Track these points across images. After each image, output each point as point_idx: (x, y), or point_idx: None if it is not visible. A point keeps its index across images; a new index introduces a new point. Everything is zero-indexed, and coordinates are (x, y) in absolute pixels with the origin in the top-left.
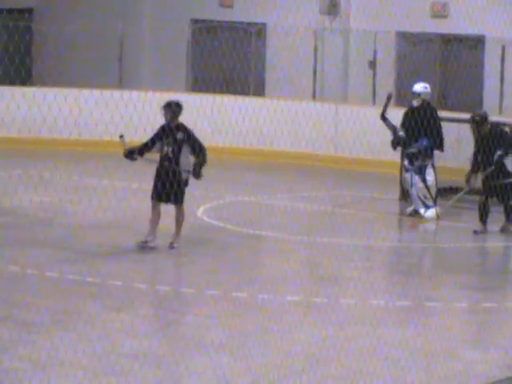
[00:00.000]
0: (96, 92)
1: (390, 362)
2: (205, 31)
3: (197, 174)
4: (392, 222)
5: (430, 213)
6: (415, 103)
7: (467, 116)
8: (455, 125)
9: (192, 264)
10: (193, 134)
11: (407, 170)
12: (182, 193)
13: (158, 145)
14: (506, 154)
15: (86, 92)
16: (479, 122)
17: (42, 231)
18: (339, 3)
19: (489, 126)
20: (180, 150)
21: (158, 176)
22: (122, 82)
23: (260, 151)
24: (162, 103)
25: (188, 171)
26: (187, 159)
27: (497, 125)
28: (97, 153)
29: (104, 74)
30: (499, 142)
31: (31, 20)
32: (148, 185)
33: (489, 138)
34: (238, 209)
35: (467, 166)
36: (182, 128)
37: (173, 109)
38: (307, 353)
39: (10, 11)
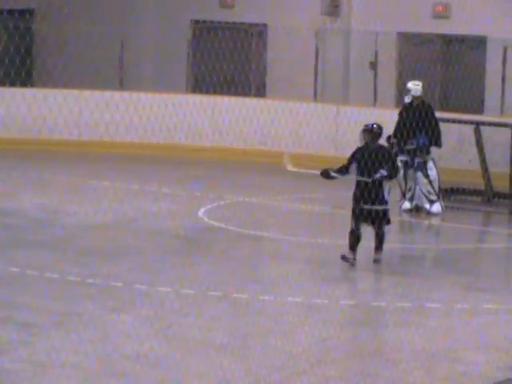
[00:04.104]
0: (96, 93)
1: (391, 363)
2: (205, 32)
3: None
4: (392, 222)
5: (436, 207)
6: (406, 99)
7: (469, 117)
8: (456, 126)
9: (193, 265)
10: None
11: (411, 166)
12: None
13: None
14: (390, 177)
15: (86, 93)
16: (376, 134)
17: (43, 232)
18: (340, 4)
19: (379, 143)
20: None
21: None
22: (122, 83)
23: (261, 152)
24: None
25: None
26: None
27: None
28: (97, 153)
29: (104, 74)
30: (384, 160)
31: (32, 21)
32: (149, 186)
33: (377, 153)
34: (238, 210)
35: (468, 167)
36: None
37: None
38: (308, 354)
39: (11, 12)
